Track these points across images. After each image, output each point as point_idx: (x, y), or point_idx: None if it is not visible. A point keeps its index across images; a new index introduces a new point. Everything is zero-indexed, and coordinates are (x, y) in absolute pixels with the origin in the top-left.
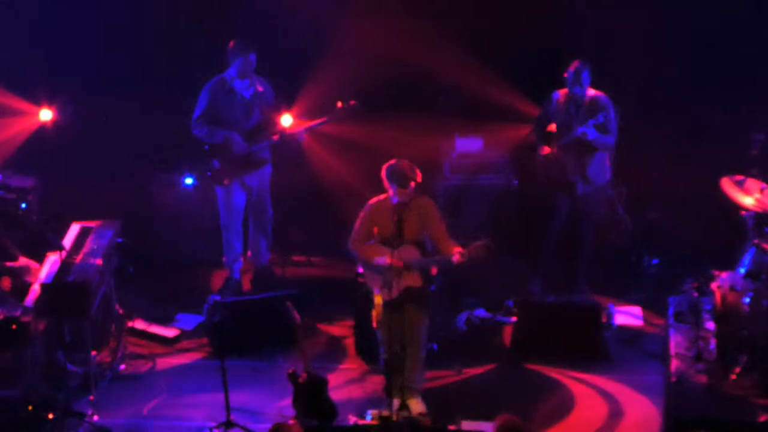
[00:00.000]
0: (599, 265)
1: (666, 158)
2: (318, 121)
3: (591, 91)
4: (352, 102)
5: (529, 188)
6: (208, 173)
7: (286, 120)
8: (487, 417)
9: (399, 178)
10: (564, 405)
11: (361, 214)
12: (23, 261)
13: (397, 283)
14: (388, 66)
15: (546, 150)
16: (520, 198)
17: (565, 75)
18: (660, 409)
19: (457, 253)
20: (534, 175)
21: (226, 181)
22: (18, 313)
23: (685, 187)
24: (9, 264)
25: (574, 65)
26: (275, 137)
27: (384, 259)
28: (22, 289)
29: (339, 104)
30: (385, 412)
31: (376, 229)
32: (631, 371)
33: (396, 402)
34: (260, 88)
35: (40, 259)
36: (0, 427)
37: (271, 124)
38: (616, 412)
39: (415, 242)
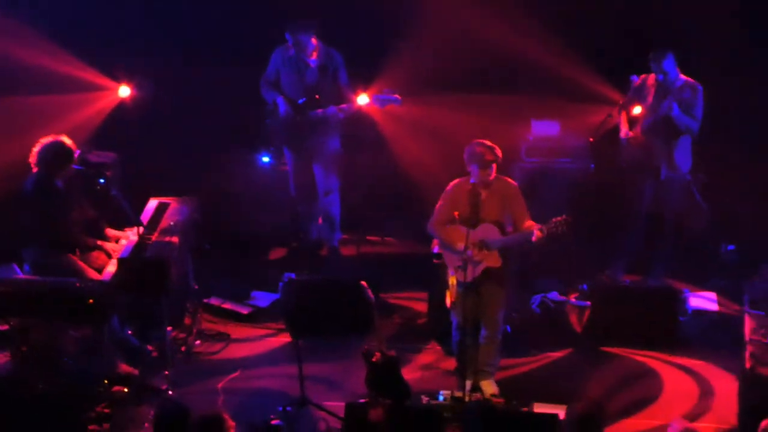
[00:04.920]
0: (676, 251)
1: (744, 144)
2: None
3: (682, 77)
4: (397, 95)
5: (606, 172)
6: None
7: (362, 99)
8: (562, 401)
9: (480, 159)
10: (652, 386)
11: (442, 196)
12: (114, 234)
13: (474, 264)
14: (466, 46)
15: (629, 133)
16: (597, 182)
17: (650, 59)
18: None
19: (537, 230)
20: (613, 159)
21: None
22: (96, 287)
23: (763, 173)
24: (100, 241)
25: (656, 51)
26: (329, 109)
27: (460, 246)
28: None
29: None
30: (458, 393)
31: (456, 213)
32: (708, 356)
33: (468, 383)
34: (318, 60)
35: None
36: (77, 401)
37: (329, 96)
38: (705, 391)
39: (495, 222)
